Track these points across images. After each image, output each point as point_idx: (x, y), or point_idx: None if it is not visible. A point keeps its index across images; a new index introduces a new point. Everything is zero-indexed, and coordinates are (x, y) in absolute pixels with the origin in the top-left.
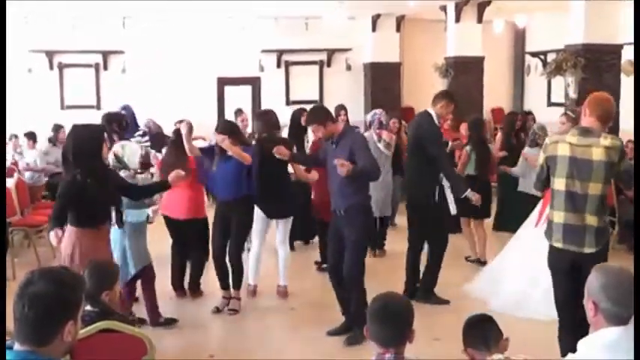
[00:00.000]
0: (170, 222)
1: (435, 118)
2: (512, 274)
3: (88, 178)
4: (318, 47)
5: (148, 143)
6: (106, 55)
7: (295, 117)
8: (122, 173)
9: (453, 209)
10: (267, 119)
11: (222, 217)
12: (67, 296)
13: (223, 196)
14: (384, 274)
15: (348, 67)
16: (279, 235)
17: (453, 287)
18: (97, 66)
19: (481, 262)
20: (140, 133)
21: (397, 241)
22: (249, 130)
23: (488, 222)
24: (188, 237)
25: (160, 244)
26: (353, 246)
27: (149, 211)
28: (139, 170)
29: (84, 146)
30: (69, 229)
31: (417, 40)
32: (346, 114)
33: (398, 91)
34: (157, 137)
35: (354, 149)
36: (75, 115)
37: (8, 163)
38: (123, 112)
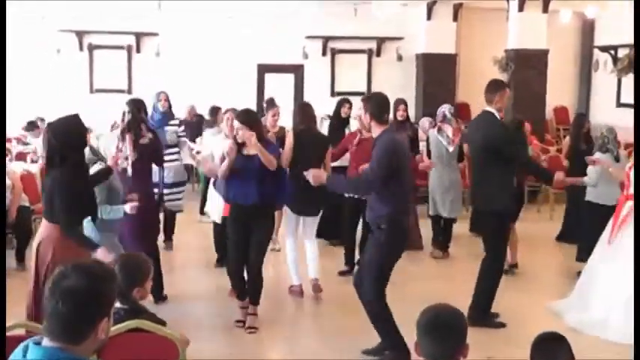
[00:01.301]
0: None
1: (497, 116)
2: (591, 294)
3: (76, 172)
4: (367, 35)
5: (184, 133)
6: (139, 36)
7: (337, 108)
8: (98, 166)
9: None
10: (307, 111)
11: (241, 224)
12: (103, 291)
13: (246, 199)
14: (442, 281)
15: (399, 58)
16: (307, 231)
17: (500, 299)
18: (129, 48)
19: (512, 267)
20: (176, 122)
21: (460, 246)
22: (280, 124)
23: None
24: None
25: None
26: (369, 264)
27: (126, 207)
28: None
29: (72, 140)
30: (48, 227)
31: (476, 31)
32: (406, 109)
33: (453, 86)
34: (192, 125)
35: (374, 155)
36: (104, 99)
37: (33, 147)
38: (161, 96)
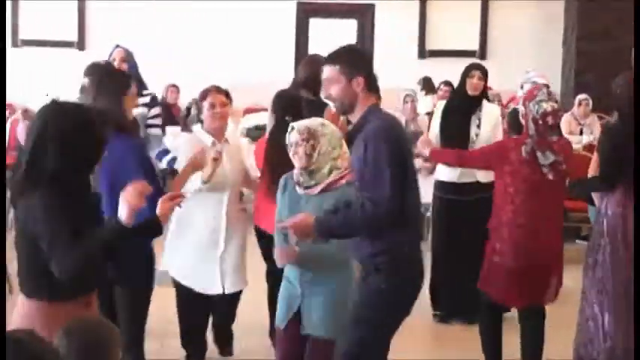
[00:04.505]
0: (264, 237)
1: None
2: None
3: (72, 201)
4: None
5: (159, 120)
6: None
7: (462, 79)
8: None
9: None
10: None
11: None
12: None
13: None
14: None
15: None
16: None
17: None
18: None
19: None
20: (147, 100)
21: None
22: None
23: None
24: None
25: None
26: (357, 324)
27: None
28: None
29: (81, 142)
30: (26, 305)
31: None
32: None
33: (626, 40)
34: (165, 110)
35: (365, 156)
36: (39, 56)
37: None
38: (115, 54)
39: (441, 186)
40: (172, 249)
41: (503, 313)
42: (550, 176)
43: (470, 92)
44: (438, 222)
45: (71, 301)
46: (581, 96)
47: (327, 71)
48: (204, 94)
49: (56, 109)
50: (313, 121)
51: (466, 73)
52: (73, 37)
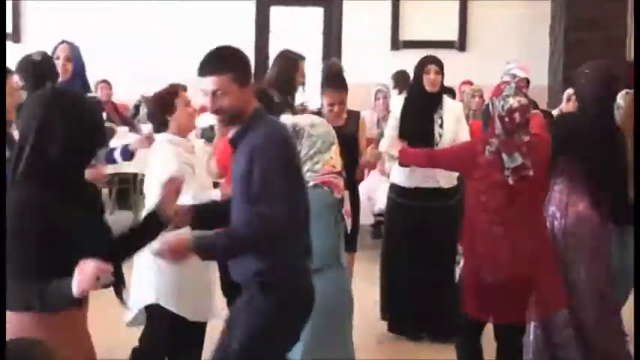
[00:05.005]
0: None
1: None
2: None
3: (66, 201)
4: None
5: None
6: None
7: (415, 73)
8: None
9: None
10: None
11: None
12: None
13: None
14: None
15: None
16: None
17: None
18: None
19: None
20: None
21: None
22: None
23: None
24: None
25: None
26: (237, 350)
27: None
28: None
29: (88, 131)
30: (15, 319)
31: None
32: None
33: (622, 29)
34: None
35: (251, 168)
36: None
37: None
38: (59, 51)
39: (398, 190)
40: (162, 278)
41: (482, 328)
42: (510, 181)
43: (428, 89)
44: (393, 230)
45: (62, 313)
46: (570, 91)
47: (215, 82)
48: (173, 92)
49: (61, 98)
50: (304, 119)
51: (421, 69)
52: (8, 28)
